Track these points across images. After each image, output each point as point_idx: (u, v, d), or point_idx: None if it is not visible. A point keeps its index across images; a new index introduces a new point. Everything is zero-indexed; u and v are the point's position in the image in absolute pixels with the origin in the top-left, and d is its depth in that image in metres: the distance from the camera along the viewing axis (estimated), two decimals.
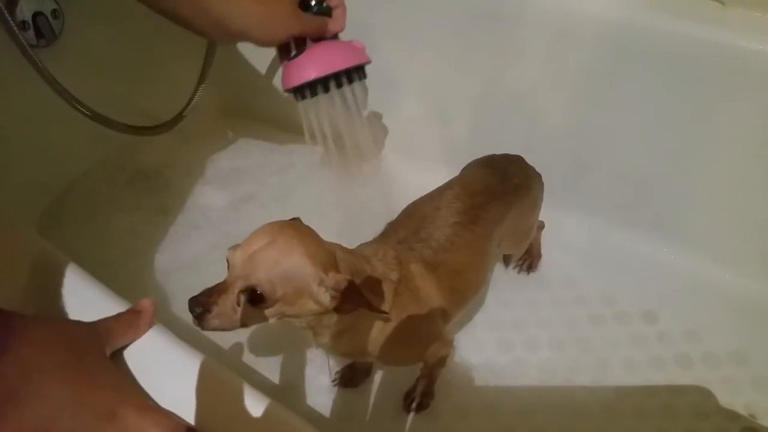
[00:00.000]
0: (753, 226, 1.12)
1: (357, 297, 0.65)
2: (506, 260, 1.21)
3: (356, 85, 0.82)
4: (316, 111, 0.83)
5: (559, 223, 1.19)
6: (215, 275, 0.66)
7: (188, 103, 1.28)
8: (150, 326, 0.56)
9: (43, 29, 1.07)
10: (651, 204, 1.19)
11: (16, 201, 1.09)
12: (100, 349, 0.49)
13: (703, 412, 0.99)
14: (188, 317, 1.07)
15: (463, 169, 1.02)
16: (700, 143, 1.09)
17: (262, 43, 0.75)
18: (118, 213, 1.27)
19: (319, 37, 0.79)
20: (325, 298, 0.64)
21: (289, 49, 0.80)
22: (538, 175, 1.02)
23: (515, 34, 1.14)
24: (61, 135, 1.17)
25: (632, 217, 1.22)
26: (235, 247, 0.65)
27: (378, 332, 0.77)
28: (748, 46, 0.96)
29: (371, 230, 0.91)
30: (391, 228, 0.90)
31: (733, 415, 0.99)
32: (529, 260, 1.20)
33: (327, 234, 0.71)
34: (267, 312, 0.65)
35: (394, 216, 0.93)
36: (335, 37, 0.82)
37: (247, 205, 1.32)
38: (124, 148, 1.33)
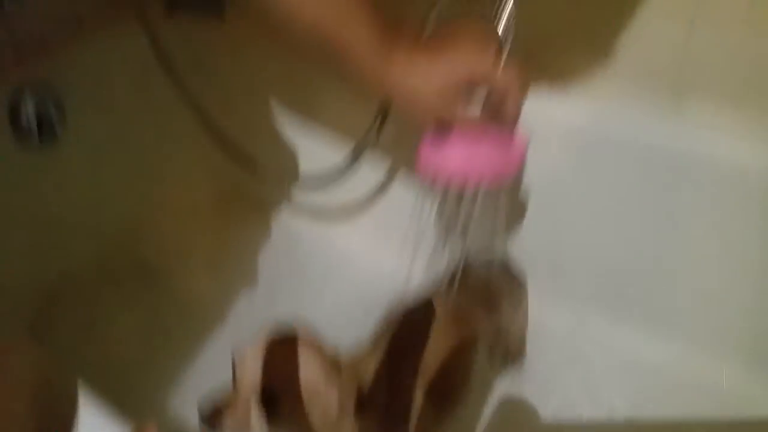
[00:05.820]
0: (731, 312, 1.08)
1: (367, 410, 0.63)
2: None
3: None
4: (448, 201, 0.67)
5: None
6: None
7: None
8: None
9: (44, 129, 1.09)
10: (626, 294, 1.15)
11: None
12: None
13: None
14: None
15: None
16: (674, 241, 1.07)
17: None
18: (116, 313, 1.20)
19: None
20: (335, 410, 0.61)
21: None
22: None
23: None
24: (47, 234, 1.16)
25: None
26: (243, 349, 0.60)
27: None
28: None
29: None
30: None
31: None
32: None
33: None
34: (282, 425, 0.60)
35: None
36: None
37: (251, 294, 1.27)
38: (112, 245, 1.30)
